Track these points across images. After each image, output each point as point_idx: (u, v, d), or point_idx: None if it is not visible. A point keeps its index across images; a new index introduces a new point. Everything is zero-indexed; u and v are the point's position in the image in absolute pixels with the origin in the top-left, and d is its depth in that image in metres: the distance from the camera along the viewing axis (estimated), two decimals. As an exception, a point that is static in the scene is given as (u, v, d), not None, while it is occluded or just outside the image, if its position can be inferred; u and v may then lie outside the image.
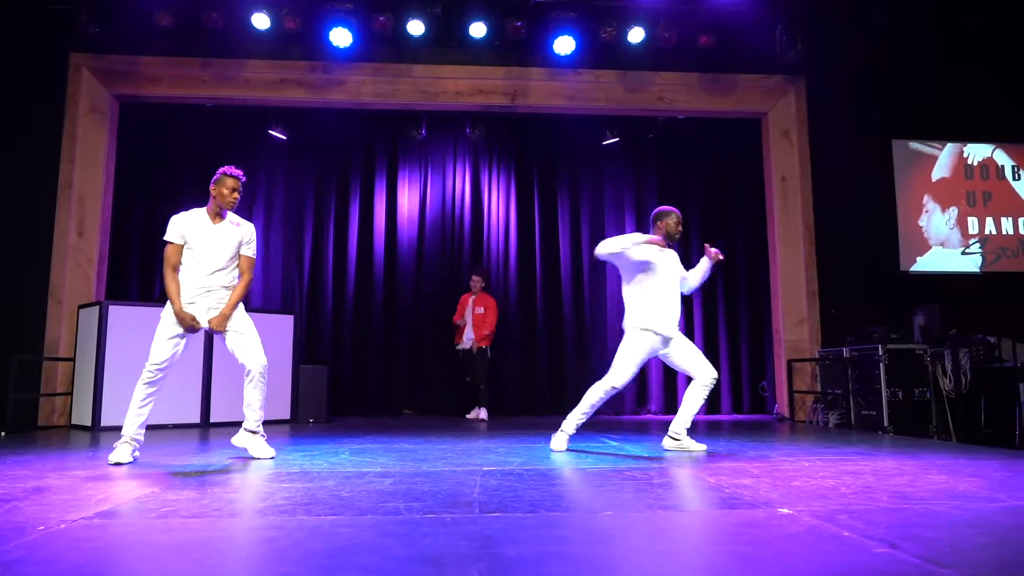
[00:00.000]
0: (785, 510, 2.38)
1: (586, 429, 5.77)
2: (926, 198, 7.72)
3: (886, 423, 5.98)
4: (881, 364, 6.07)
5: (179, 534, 2.01)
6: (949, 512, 2.39)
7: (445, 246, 8.32)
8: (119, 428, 5.59)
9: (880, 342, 6.15)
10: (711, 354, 8.23)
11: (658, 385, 8.12)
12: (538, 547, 1.87)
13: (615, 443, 4.68)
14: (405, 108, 7.72)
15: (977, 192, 7.81)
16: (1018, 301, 7.33)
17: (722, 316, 8.32)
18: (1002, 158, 7.91)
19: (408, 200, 8.40)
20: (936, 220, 7.69)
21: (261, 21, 6.88)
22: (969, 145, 7.87)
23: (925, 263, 7.59)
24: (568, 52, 7.27)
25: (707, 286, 8.31)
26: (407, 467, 3.48)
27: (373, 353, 8.05)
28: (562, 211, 8.45)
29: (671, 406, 8.10)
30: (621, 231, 8.41)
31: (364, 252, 8.28)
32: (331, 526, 2.12)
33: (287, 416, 6.63)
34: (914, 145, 7.80)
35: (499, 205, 8.42)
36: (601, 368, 8.01)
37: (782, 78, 7.72)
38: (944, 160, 7.83)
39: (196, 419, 6.12)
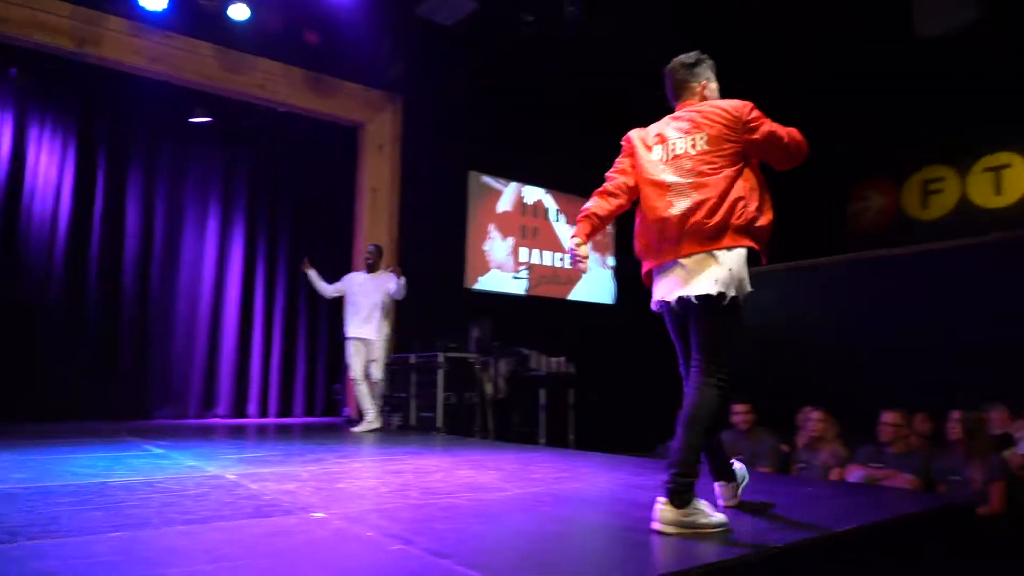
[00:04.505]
0: (319, 514, 2.38)
1: (126, 435, 5.09)
2: (491, 227, 8.83)
3: (439, 424, 6.60)
4: (440, 370, 6.69)
5: None
6: (465, 504, 2.66)
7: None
8: None
9: (441, 350, 6.78)
10: (289, 359, 8.09)
11: (228, 386, 7.64)
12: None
13: (160, 451, 4.20)
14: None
15: (529, 226, 9.24)
16: (550, 320, 8.83)
17: (303, 320, 8.24)
18: (549, 202, 9.50)
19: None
20: (497, 246, 8.85)
21: None
22: (526, 186, 9.27)
23: (485, 283, 8.66)
24: (158, 8, 6.44)
25: (290, 290, 8.19)
26: None
27: None
28: (133, 186, 7.39)
29: (240, 409, 7.70)
30: (203, 218, 7.75)
31: None
32: None
33: None
34: (485, 179, 8.88)
35: (50, 168, 6.97)
36: (178, 362, 7.28)
37: (382, 93, 8.05)
38: (507, 195, 9.07)
39: None
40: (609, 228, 10.07)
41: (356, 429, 6.00)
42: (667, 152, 2.47)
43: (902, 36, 6.28)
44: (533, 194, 9.34)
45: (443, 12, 6.99)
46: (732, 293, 2.29)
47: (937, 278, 7.48)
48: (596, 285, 9.79)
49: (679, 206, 2.36)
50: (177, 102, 7.36)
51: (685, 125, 2.46)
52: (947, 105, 7.45)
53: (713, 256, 2.30)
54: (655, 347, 10.30)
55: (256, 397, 7.80)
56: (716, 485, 2.59)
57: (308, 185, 8.34)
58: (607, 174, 2.65)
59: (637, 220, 2.57)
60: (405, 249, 7.93)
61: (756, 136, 2.38)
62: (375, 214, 7.96)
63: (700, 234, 2.32)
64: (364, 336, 6.13)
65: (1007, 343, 6.67)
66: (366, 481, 3.17)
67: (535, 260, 9.22)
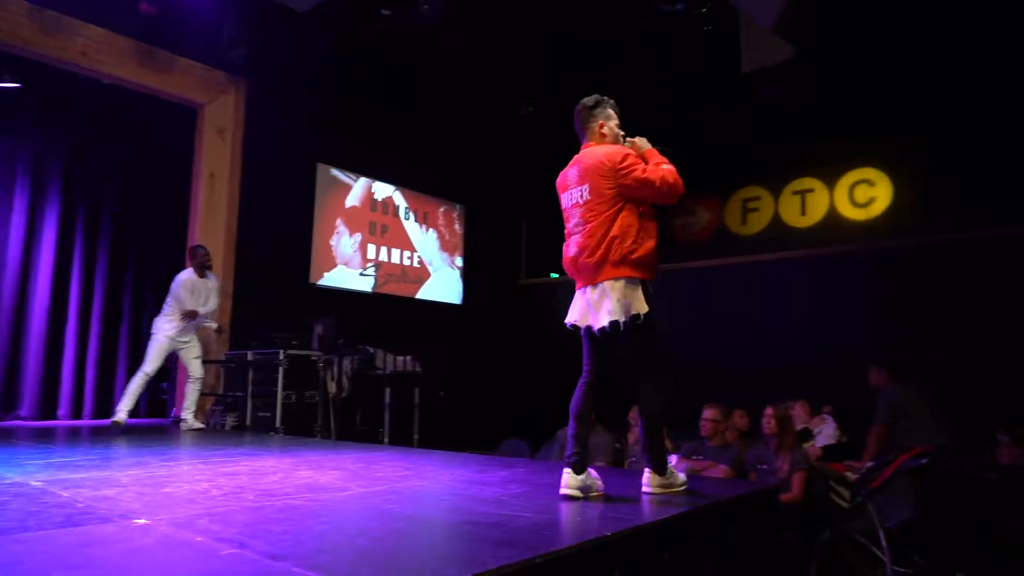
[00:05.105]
0: (142, 520, 2.21)
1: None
2: (339, 221, 8.60)
3: (278, 424, 6.33)
4: (280, 368, 6.42)
5: None
6: (305, 505, 2.59)
7: None
8: None
9: (282, 347, 6.51)
10: (110, 355, 7.42)
11: (34, 384, 6.85)
12: None
13: (-53, 457, 3.70)
14: None
15: (378, 223, 9.10)
16: (396, 319, 8.75)
17: (127, 313, 7.58)
18: (399, 199, 9.42)
19: None
20: (344, 242, 8.63)
21: None
22: (377, 183, 9.12)
23: (330, 279, 8.41)
24: (-44, -44, 5.68)
25: (111, 280, 7.51)
26: None
27: None
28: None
29: (49, 410, 6.95)
30: (8, 197, 6.91)
31: None
32: None
33: None
34: (334, 172, 8.63)
35: None
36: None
37: (225, 75, 7.59)
38: (356, 191, 8.88)
39: None
40: (458, 228, 10.17)
41: (116, 419, 5.74)
42: (568, 200, 2.93)
43: (728, 70, 6.89)
44: (383, 190, 9.21)
45: (296, -4, 6.73)
46: (625, 318, 2.71)
47: (753, 287, 8.29)
48: (444, 285, 9.84)
49: (572, 251, 2.87)
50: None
51: (576, 175, 2.90)
52: (762, 132, 8.27)
53: (603, 287, 2.76)
54: (500, 348, 10.51)
55: (68, 397, 7.07)
56: (565, 471, 2.76)
57: (138, 166, 7.69)
58: None
59: None
60: (245, 240, 7.52)
61: (628, 181, 2.78)
62: (213, 201, 7.47)
63: (586, 271, 2.82)
64: (182, 338, 6.06)
65: (809, 346, 7.52)
66: (196, 484, 2.98)
67: (383, 258, 9.10)
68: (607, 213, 2.78)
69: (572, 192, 2.90)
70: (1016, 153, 6.69)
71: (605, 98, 3.03)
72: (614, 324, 2.70)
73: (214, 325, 6.42)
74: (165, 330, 5.98)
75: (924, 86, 7.15)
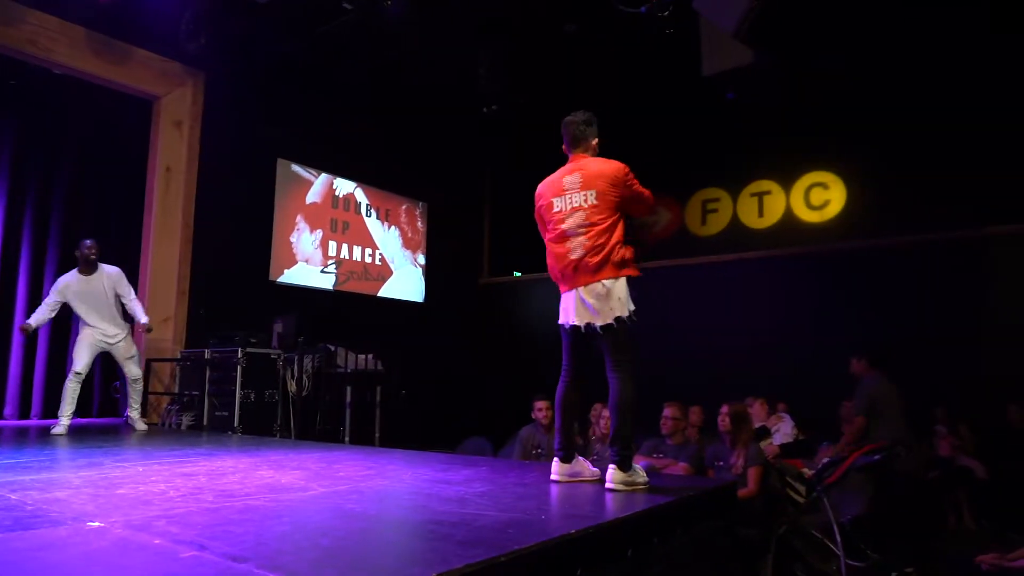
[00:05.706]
0: (96, 523, 2.15)
1: None
2: (299, 218, 8.48)
3: (236, 423, 6.22)
4: (239, 367, 6.30)
5: None
6: (265, 506, 2.55)
7: None
8: None
9: (240, 345, 6.39)
10: (59, 354, 7.17)
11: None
12: None
13: None
14: None
15: (339, 220, 9.00)
16: (358, 316, 8.67)
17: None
18: (361, 196, 9.32)
19: None
20: (304, 239, 8.51)
21: None
22: (338, 179, 9.01)
23: (291, 276, 8.29)
24: None
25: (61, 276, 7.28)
26: None
27: None
28: None
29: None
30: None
31: None
32: None
33: None
34: (295, 167, 8.51)
35: None
36: None
37: (182, 67, 7.42)
38: (317, 187, 8.76)
39: None
40: (420, 226, 10.12)
41: (54, 431, 5.32)
42: (566, 204, 3.11)
43: (689, 73, 6.97)
44: (345, 187, 9.11)
45: (256, -13, 6.59)
46: (624, 314, 2.97)
47: (712, 286, 8.43)
48: (406, 283, 9.78)
49: (576, 252, 3.04)
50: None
51: (578, 180, 3.09)
52: (722, 134, 8.41)
53: (604, 285, 2.98)
54: (462, 346, 10.50)
55: (15, 396, 6.83)
56: (555, 460, 3.13)
57: (90, 159, 7.46)
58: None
59: (547, 256, 3.22)
60: (202, 236, 7.36)
61: (629, 193, 3.07)
62: (169, 195, 7.30)
63: (586, 270, 3.02)
64: (108, 338, 5.63)
65: (768, 344, 7.68)
66: (152, 485, 2.91)
67: (345, 255, 9.01)
68: (612, 218, 3.03)
69: (573, 196, 3.08)
70: (962, 159, 6.94)
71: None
72: (619, 319, 2.96)
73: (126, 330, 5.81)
74: (86, 324, 5.65)
75: (877, 93, 7.36)
